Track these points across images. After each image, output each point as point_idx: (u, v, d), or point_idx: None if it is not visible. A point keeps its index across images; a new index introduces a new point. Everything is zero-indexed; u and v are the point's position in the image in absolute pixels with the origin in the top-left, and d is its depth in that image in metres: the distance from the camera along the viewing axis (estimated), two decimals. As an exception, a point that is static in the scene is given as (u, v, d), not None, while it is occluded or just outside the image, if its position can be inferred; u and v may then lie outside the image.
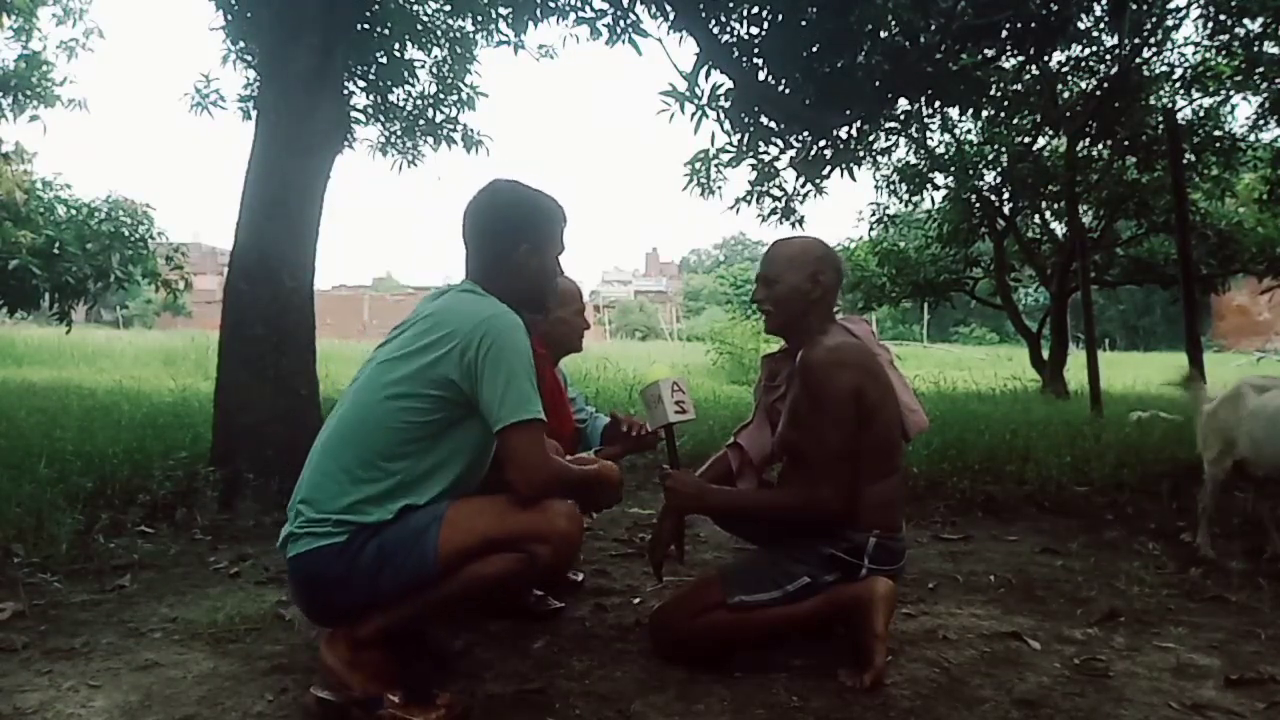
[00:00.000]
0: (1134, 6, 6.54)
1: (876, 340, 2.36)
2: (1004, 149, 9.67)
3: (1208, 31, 7.95)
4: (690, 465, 2.53)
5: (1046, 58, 7.66)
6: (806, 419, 2.15)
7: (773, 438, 2.36)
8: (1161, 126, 8.03)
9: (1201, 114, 9.12)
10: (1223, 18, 7.45)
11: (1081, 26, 6.81)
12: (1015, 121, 9.50)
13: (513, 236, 2.07)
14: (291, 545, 1.91)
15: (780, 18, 4.87)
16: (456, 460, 1.95)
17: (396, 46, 6.65)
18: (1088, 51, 8.60)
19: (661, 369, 2.32)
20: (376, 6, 6.03)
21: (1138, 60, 8.50)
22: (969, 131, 10.09)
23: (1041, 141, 9.79)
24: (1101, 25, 7.36)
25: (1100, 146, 9.38)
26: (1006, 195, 10.12)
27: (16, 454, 4.02)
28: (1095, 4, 5.78)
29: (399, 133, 7.44)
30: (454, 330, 1.89)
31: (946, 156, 9.95)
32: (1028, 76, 8.56)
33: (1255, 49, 7.72)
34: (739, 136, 5.66)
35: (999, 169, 9.87)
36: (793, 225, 7.30)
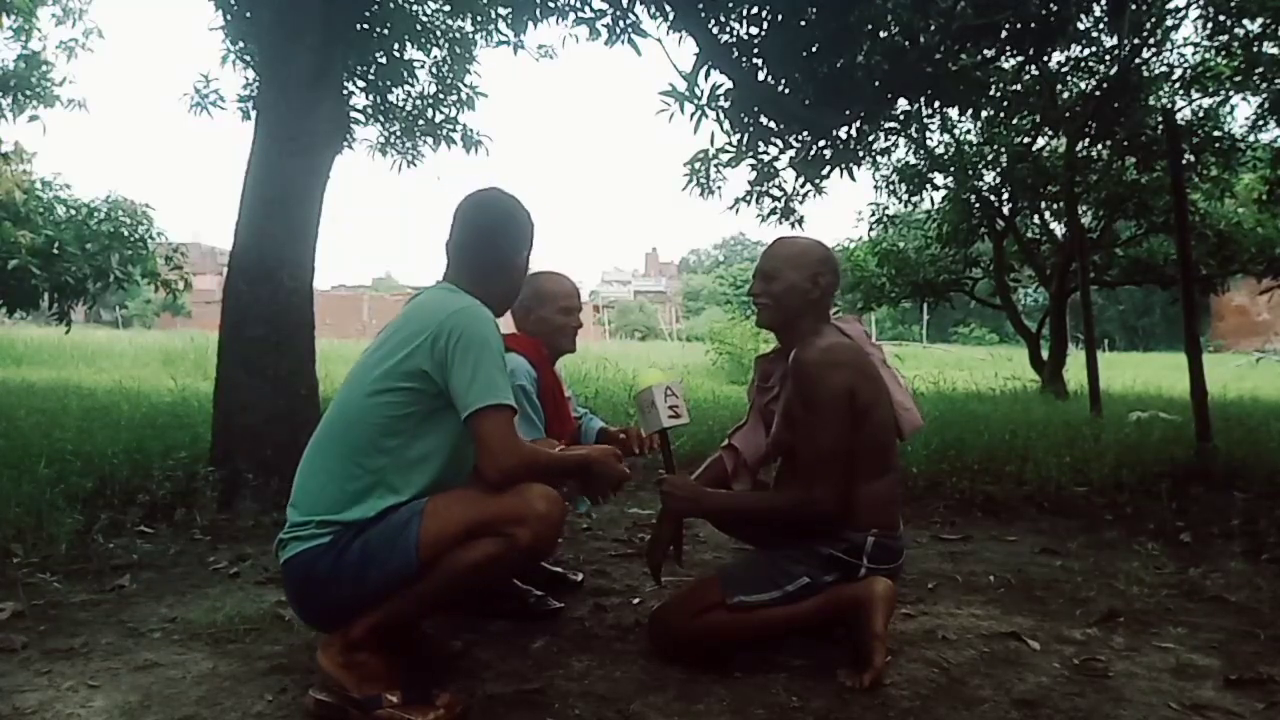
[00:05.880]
0: (1134, 7, 6.55)
1: (869, 340, 2.36)
2: (1003, 149, 9.67)
3: (1207, 32, 7.97)
4: (688, 468, 2.53)
5: (1046, 58, 7.66)
6: (800, 419, 2.16)
7: (767, 439, 2.37)
8: (1161, 127, 8.02)
9: (1201, 114, 9.12)
10: (1222, 18, 7.46)
11: (1081, 26, 6.82)
12: (1015, 122, 9.50)
13: (515, 244, 2.18)
14: (281, 551, 1.95)
15: (780, 18, 4.87)
16: (436, 456, 1.96)
17: (396, 46, 6.63)
18: (1087, 52, 8.61)
19: (655, 374, 2.32)
20: (376, 6, 6.03)
21: (1137, 60, 8.51)
22: (968, 132, 10.10)
23: (1041, 142, 9.80)
24: (1101, 25, 7.37)
25: (1100, 147, 9.38)
26: (1006, 195, 10.13)
27: (16, 454, 4.02)
28: (1095, 4, 5.78)
29: (399, 133, 7.42)
30: (426, 324, 1.94)
31: (946, 157, 9.95)
32: (1027, 77, 8.56)
33: (1255, 49, 7.73)
34: (739, 136, 5.66)
35: (998, 169, 9.87)
36: (792, 225, 7.31)
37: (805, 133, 5.67)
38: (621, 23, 5.23)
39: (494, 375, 1.89)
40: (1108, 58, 8.63)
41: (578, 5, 5.53)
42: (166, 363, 12.69)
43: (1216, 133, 8.99)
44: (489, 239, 2.14)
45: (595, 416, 3.08)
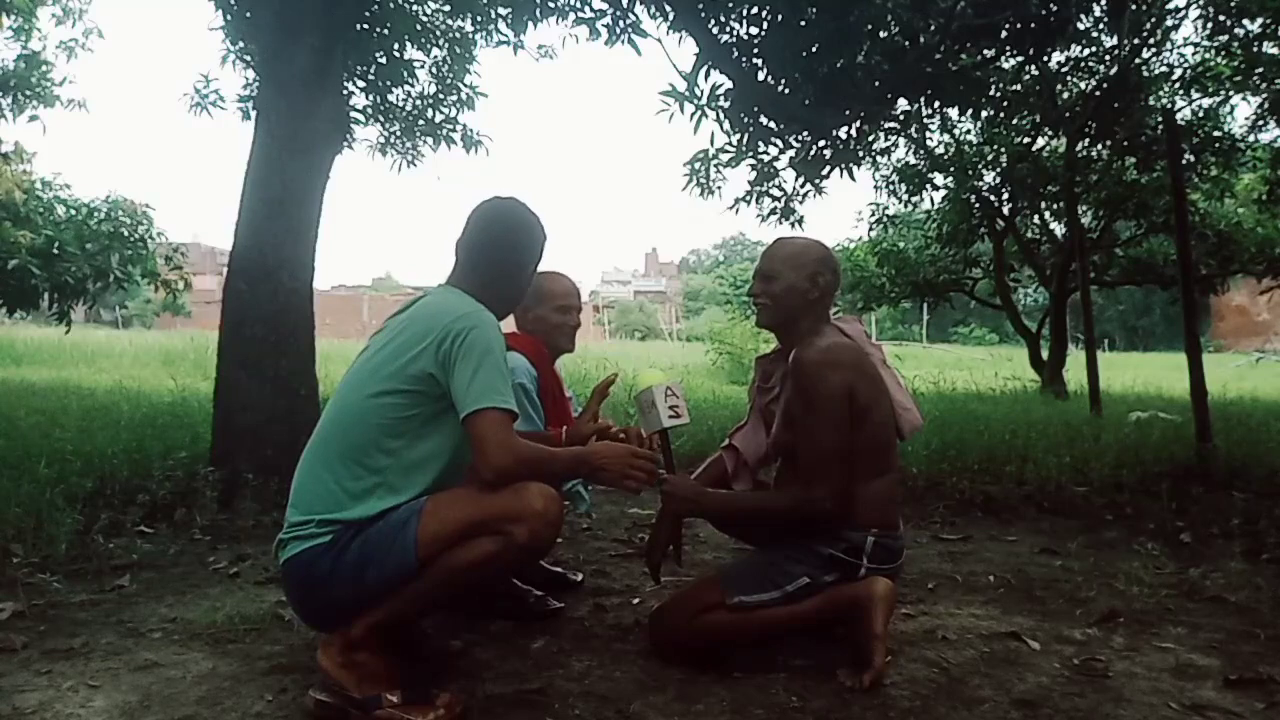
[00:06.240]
0: (1134, 7, 6.55)
1: (869, 340, 2.36)
2: (1003, 149, 9.67)
3: (1207, 32, 7.97)
4: (687, 468, 2.53)
5: (1046, 58, 7.67)
6: (799, 419, 2.16)
7: (767, 439, 2.37)
8: (1161, 127, 8.02)
9: (1201, 114, 9.13)
10: (1222, 18, 7.46)
11: (1081, 26, 6.80)
12: (1015, 122, 9.50)
13: (526, 256, 2.21)
14: (281, 551, 1.95)
15: (780, 18, 4.86)
16: (438, 458, 1.97)
17: (396, 46, 6.63)
18: (1087, 52, 8.61)
19: (655, 374, 2.31)
20: (376, 6, 6.02)
21: (1137, 60, 8.51)
22: (968, 132, 10.10)
23: (1041, 142, 9.80)
24: (1101, 25, 7.36)
25: (1100, 147, 9.38)
26: (1006, 195, 10.13)
27: (16, 454, 4.02)
28: (1095, 4, 5.78)
29: (399, 133, 7.42)
30: (432, 326, 1.95)
31: (946, 157, 9.95)
32: (1027, 76, 8.56)
33: (1255, 49, 7.72)
34: (739, 136, 5.66)
35: (998, 169, 9.87)
36: (792, 225, 7.31)
37: (805, 133, 5.67)
38: (621, 23, 5.23)
39: (494, 379, 1.90)
40: (1108, 58, 8.63)
41: (578, 5, 5.53)
42: (166, 363, 12.70)
43: (1216, 133, 8.99)
44: (502, 248, 2.16)
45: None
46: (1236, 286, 15.77)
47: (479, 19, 6.89)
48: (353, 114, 6.69)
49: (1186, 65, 8.92)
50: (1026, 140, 9.59)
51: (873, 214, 11.25)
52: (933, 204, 10.63)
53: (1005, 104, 8.63)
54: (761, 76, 5.17)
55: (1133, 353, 27.14)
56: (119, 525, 3.43)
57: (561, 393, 2.82)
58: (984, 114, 8.54)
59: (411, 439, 1.94)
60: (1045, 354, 10.22)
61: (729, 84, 5.11)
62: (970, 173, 9.78)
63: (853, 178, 6.17)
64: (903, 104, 5.74)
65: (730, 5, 4.97)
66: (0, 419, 5.31)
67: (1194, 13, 7.92)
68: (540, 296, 2.77)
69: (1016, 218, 10.43)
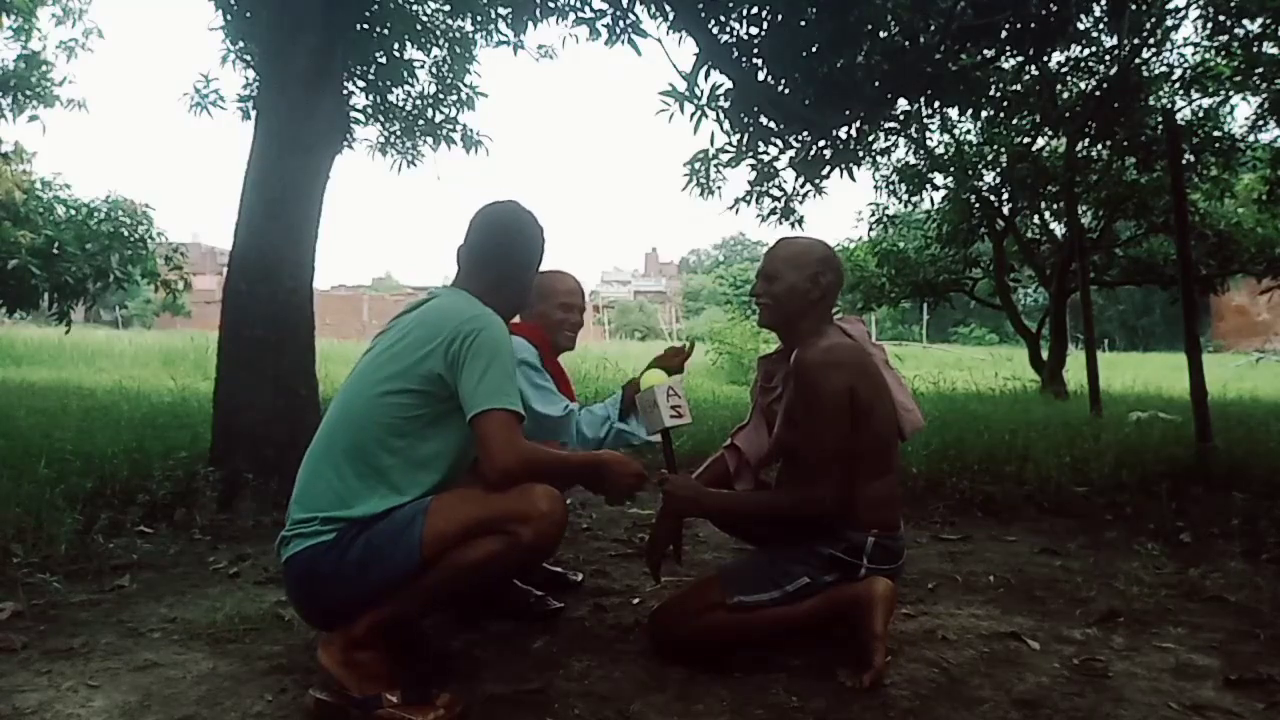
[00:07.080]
0: (1133, 7, 6.54)
1: (871, 340, 2.36)
2: (1003, 149, 9.67)
3: (1207, 32, 7.96)
4: (688, 467, 2.53)
5: (1046, 58, 7.67)
6: (801, 419, 2.16)
7: (769, 438, 2.37)
8: (1161, 127, 8.02)
9: (1201, 114, 9.13)
10: (1222, 18, 7.45)
11: (1081, 27, 6.81)
12: (1015, 122, 9.50)
13: (527, 258, 2.23)
14: (284, 549, 1.95)
15: (780, 18, 4.87)
16: (443, 459, 1.98)
17: (396, 46, 6.64)
18: (1087, 52, 8.60)
19: (657, 374, 2.32)
20: (376, 6, 6.03)
21: (1137, 61, 8.50)
22: (968, 132, 10.10)
23: (1041, 142, 9.80)
24: (1101, 26, 7.36)
25: (1100, 147, 9.38)
26: (1006, 195, 10.13)
27: (16, 454, 4.02)
28: (1095, 4, 5.78)
29: (399, 133, 7.43)
30: (442, 327, 1.96)
31: (946, 157, 9.95)
32: (1027, 77, 8.56)
33: (1255, 49, 7.72)
34: (739, 136, 5.67)
35: (998, 169, 9.88)
36: (792, 225, 7.31)
37: (805, 133, 5.68)
38: (621, 23, 5.24)
39: (502, 381, 1.90)
40: (1108, 58, 8.62)
41: (578, 5, 5.54)
42: (166, 363, 12.70)
43: (1216, 133, 8.99)
44: (503, 251, 2.18)
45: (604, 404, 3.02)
46: (1236, 286, 15.77)
47: (479, 19, 6.90)
48: (353, 114, 6.70)
49: (1186, 65, 8.91)
50: (1026, 140, 9.59)
51: (873, 214, 11.26)
52: (933, 204, 10.64)
53: (1005, 104, 8.63)
54: (761, 76, 5.18)
55: (1133, 353, 27.12)
56: (119, 525, 3.42)
57: (566, 381, 2.83)
58: (984, 114, 8.54)
59: (416, 438, 1.95)
60: (1045, 354, 10.22)
61: (729, 84, 5.12)
62: (970, 173, 9.79)
63: (853, 178, 6.18)
64: (903, 104, 5.75)
65: (730, 5, 4.98)
66: (0, 419, 5.31)
67: (1194, 13, 7.92)
68: (543, 293, 2.78)
69: (1016, 218, 10.43)
